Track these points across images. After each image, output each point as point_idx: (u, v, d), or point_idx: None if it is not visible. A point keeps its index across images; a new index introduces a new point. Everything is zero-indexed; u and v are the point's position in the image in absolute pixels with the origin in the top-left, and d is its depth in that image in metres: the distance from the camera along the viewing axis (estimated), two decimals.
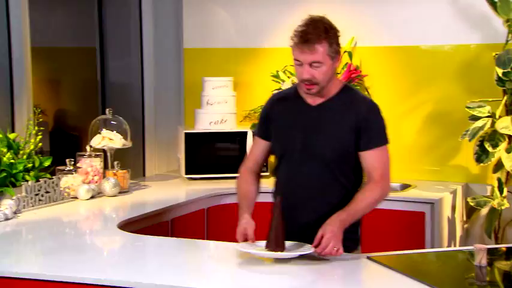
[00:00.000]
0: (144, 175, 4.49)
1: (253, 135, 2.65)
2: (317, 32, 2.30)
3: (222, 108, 4.16)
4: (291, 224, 2.31)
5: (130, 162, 4.35)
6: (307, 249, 2.20)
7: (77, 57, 4.88)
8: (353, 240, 2.46)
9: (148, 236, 2.75)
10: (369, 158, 2.37)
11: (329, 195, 2.41)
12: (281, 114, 2.47)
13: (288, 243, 2.24)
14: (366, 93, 4.10)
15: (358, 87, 4.09)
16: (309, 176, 2.40)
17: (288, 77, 4.08)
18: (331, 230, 2.21)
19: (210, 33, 4.54)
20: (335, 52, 2.35)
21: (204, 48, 4.55)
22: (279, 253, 2.18)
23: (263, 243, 2.25)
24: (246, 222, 2.32)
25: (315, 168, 2.39)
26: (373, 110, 2.41)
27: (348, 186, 2.43)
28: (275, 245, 2.19)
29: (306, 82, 2.34)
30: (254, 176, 2.55)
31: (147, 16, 4.51)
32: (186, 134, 4.05)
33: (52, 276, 2.17)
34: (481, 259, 2.16)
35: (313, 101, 2.43)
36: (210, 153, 4.09)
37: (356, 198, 2.35)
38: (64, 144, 4.72)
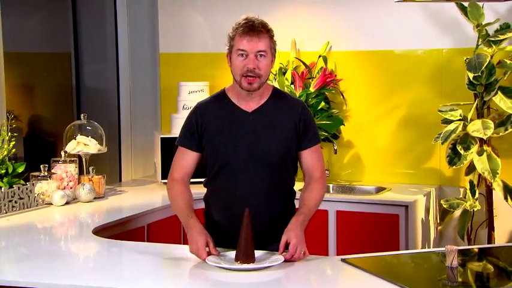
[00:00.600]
0: (120, 180, 4.47)
1: (177, 146, 2.50)
2: (261, 24, 2.36)
3: None
4: None
5: (107, 167, 4.33)
6: (278, 259, 2.22)
7: (51, 63, 4.84)
8: None
9: (123, 241, 2.74)
10: (308, 156, 2.44)
11: (278, 196, 2.46)
12: (215, 123, 2.41)
13: (257, 252, 2.24)
14: (341, 97, 4.14)
15: (333, 92, 4.13)
16: (258, 182, 2.40)
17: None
18: (296, 235, 2.24)
19: (186, 38, 4.55)
20: (274, 49, 2.39)
21: (180, 52, 4.56)
22: (251, 265, 2.19)
23: (231, 253, 2.25)
24: (204, 234, 2.27)
25: (262, 174, 2.40)
26: (308, 111, 2.49)
27: (291, 184, 2.51)
28: (246, 257, 2.20)
29: (249, 74, 2.32)
30: (186, 186, 2.49)
31: (122, 20, 4.49)
32: (162, 138, 4.04)
33: (26, 283, 2.15)
34: (453, 260, 2.20)
35: (248, 106, 2.42)
36: None
37: (306, 198, 2.40)
38: (39, 150, 4.67)
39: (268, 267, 2.20)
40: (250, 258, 2.20)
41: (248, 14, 2.42)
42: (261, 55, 2.33)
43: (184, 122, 2.50)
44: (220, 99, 2.45)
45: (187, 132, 2.46)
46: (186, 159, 2.47)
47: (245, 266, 2.19)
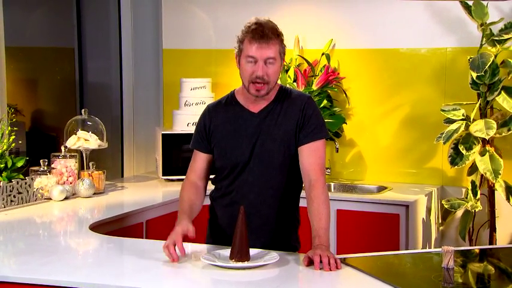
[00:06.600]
0: (122, 176, 4.47)
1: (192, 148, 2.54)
2: (272, 30, 2.33)
3: (200, 110, 4.10)
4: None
5: (109, 163, 4.34)
6: (273, 258, 2.21)
7: (55, 58, 4.86)
8: (297, 241, 2.54)
9: (121, 237, 2.73)
10: (305, 153, 2.37)
11: (283, 195, 2.45)
12: (222, 125, 2.43)
13: (252, 251, 2.23)
14: (344, 95, 4.12)
15: (336, 90, 4.11)
16: (261, 182, 2.40)
17: None
18: (320, 251, 2.18)
19: (189, 34, 4.53)
20: (283, 53, 2.38)
21: (182, 49, 4.55)
22: (246, 263, 2.18)
23: (226, 251, 2.24)
24: (176, 233, 2.27)
25: (265, 174, 2.40)
26: (312, 104, 2.42)
27: (296, 187, 2.47)
28: (240, 255, 2.18)
29: (257, 81, 2.32)
30: (197, 188, 2.49)
31: (126, 16, 4.50)
32: (163, 135, 4.04)
33: (24, 278, 2.15)
34: (449, 261, 2.17)
35: (255, 108, 2.42)
36: (187, 155, 4.07)
37: (315, 216, 2.30)
38: (41, 145, 4.69)
39: (263, 265, 2.19)
40: (245, 257, 2.19)
41: (258, 15, 2.40)
42: (270, 62, 2.32)
43: (196, 125, 2.54)
44: (228, 101, 2.47)
45: (198, 135, 2.50)
46: (199, 161, 2.50)
47: (240, 264, 2.18)
